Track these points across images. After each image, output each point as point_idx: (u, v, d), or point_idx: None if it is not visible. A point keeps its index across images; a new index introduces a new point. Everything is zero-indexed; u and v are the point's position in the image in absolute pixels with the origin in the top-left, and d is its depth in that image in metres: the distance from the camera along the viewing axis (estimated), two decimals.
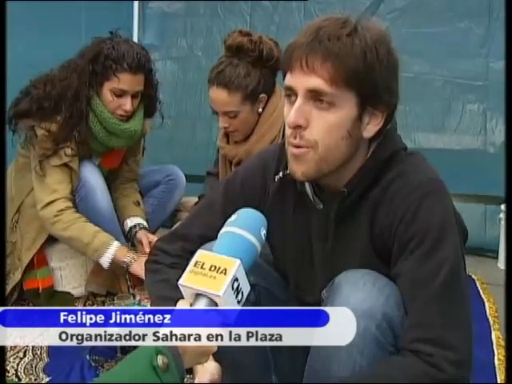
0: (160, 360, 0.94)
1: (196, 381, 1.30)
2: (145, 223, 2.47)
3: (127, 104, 2.23)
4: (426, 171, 1.25)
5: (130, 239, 2.45)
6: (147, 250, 2.34)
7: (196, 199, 2.43)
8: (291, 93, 1.22)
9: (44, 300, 2.34)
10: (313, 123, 1.19)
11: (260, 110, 2.13)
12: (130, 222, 2.46)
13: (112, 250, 2.17)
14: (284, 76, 1.24)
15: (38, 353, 2.07)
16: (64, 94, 2.20)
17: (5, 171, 2.18)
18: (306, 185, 1.34)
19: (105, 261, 2.19)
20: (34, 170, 2.23)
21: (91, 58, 2.19)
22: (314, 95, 1.18)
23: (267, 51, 2.05)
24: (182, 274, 1.07)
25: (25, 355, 2.05)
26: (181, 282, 1.04)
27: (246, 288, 1.05)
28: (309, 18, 3.14)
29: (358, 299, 1.16)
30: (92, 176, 2.29)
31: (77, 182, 2.26)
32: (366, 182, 1.27)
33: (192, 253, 1.37)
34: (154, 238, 2.37)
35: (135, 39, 3.40)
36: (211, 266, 1.03)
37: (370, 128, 1.23)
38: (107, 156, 2.42)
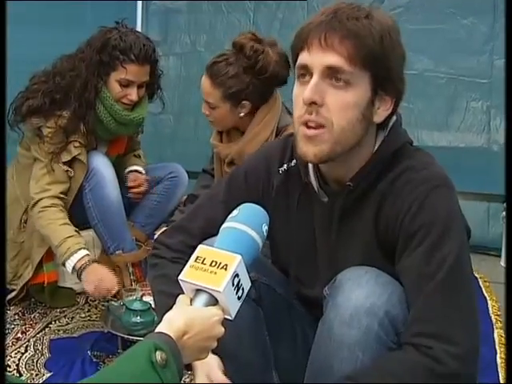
0: (159, 356, 0.93)
1: (200, 376, 1.29)
2: (140, 169, 2.52)
3: (133, 94, 2.25)
4: (433, 166, 1.25)
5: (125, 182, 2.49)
6: (131, 183, 2.46)
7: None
8: (306, 72, 1.20)
9: (48, 296, 2.34)
10: (328, 101, 1.18)
11: (241, 114, 2.13)
12: (126, 170, 2.52)
13: (75, 259, 2.12)
14: (296, 57, 1.23)
15: (40, 348, 2.07)
16: (73, 84, 2.21)
17: (5, 171, 2.18)
18: (312, 176, 1.34)
19: (68, 267, 2.15)
20: (37, 168, 2.24)
21: (99, 48, 2.20)
22: (331, 73, 1.17)
23: (262, 64, 2.05)
24: (182, 268, 1.07)
25: (26, 350, 2.05)
26: (181, 277, 1.04)
27: (246, 284, 1.04)
28: (312, 14, 3.11)
29: (361, 296, 1.16)
30: (103, 167, 2.31)
31: (83, 175, 2.27)
32: (372, 176, 1.26)
33: (193, 247, 1.37)
34: (140, 176, 2.46)
35: None
36: (212, 262, 1.03)
37: (381, 113, 1.23)
38: (113, 144, 2.44)
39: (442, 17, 3.05)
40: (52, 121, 2.20)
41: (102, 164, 2.31)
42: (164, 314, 1.04)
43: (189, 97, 3.34)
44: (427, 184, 1.20)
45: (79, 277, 2.13)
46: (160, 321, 1.03)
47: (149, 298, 2.04)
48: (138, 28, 3.43)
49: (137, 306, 2.02)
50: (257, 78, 2.08)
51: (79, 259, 2.11)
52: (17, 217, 2.32)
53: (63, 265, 2.14)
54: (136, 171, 2.51)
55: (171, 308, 1.06)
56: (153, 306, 2.07)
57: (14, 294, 2.31)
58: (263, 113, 2.14)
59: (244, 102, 2.11)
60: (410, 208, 1.20)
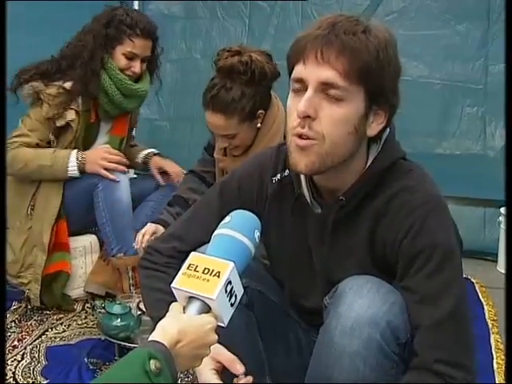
0: (153, 364, 0.93)
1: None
2: (154, 150, 2.67)
3: (137, 67, 2.38)
4: (429, 187, 1.26)
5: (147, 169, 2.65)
6: (158, 176, 2.59)
7: None
8: (301, 84, 1.21)
9: (60, 288, 2.37)
10: (321, 115, 1.19)
11: (259, 125, 2.08)
12: (141, 155, 2.65)
13: (74, 163, 2.30)
14: (291, 69, 1.23)
15: (36, 356, 2.07)
16: (79, 54, 2.32)
17: (5, 169, 2.19)
18: (304, 188, 1.34)
19: (75, 174, 2.32)
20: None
21: (105, 22, 2.33)
22: (326, 87, 1.18)
23: (259, 71, 1.99)
24: (175, 271, 1.07)
25: (23, 358, 2.05)
26: (174, 284, 1.04)
27: (239, 291, 1.04)
28: (306, 19, 3.14)
29: (362, 306, 1.16)
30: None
31: (69, 143, 2.35)
32: (365, 191, 1.27)
33: (185, 253, 1.38)
34: (164, 164, 2.60)
35: None
36: (204, 269, 1.03)
37: (374, 127, 1.24)
38: (116, 124, 2.52)
39: (437, 23, 3.04)
40: (53, 88, 2.29)
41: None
42: (158, 309, 1.04)
43: (185, 103, 3.34)
44: (426, 206, 1.22)
45: (84, 170, 2.32)
46: (155, 319, 1.03)
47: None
48: None
49: (117, 309, 2.02)
50: (260, 85, 2.03)
51: (76, 160, 2.30)
52: (24, 205, 2.36)
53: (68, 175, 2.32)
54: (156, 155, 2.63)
55: (167, 304, 1.07)
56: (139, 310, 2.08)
57: (36, 288, 2.33)
58: (268, 125, 2.09)
59: (258, 112, 2.06)
60: (409, 230, 1.21)
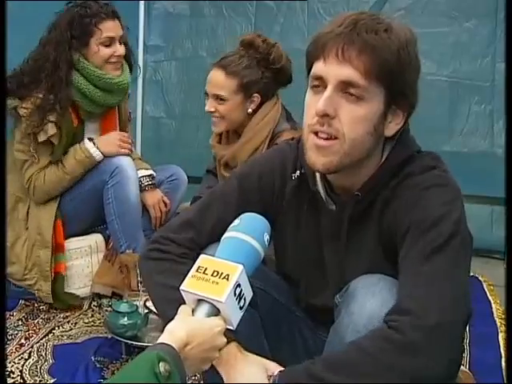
0: (162, 367, 0.94)
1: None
2: (152, 172, 2.54)
3: (119, 49, 2.33)
4: (433, 169, 1.24)
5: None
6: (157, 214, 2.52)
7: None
8: (320, 82, 1.20)
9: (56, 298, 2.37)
10: (341, 115, 1.18)
11: (250, 110, 2.15)
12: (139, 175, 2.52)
13: (90, 148, 2.35)
14: (311, 64, 1.22)
15: (43, 354, 2.07)
16: (42, 66, 2.26)
17: (5, 170, 2.19)
18: (319, 185, 1.34)
19: (98, 157, 2.35)
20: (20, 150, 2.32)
21: (67, 24, 2.26)
22: (346, 86, 1.17)
23: (275, 55, 2.11)
24: (191, 265, 1.05)
25: (30, 356, 2.05)
26: (183, 287, 1.04)
27: (248, 294, 1.04)
28: (312, 17, 3.13)
29: (374, 305, 1.15)
30: (128, 167, 2.38)
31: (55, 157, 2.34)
32: (379, 186, 1.27)
33: (202, 245, 1.34)
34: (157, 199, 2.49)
35: (141, 40, 3.42)
36: (214, 272, 1.03)
37: (392, 126, 1.24)
38: (104, 123, 2.48)
39: (444, 20, 3.04)
40: (28, 101, 2.25)
41: (126, 163, 2.38)
42: (170, 308, 1.05)
43: (191, 101, 3.34)
44: (422, 185, 1.21)
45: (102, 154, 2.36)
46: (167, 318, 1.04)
47: (151, 304, 2.04)
48: (141, 33, 3.43)
49: (124, 307, 2.02)
50: (270, 70, 2.13)
51: (90, 146, 2.35)
52: (23, 209, 2.38)
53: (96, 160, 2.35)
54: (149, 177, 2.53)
55: (178, 302, 1.07)
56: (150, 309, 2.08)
57: (45, 285, 2.33)
58: (260, 116, 2.16)
59: (255, 95, 2.13)
60: (405, 208, 1.20)
